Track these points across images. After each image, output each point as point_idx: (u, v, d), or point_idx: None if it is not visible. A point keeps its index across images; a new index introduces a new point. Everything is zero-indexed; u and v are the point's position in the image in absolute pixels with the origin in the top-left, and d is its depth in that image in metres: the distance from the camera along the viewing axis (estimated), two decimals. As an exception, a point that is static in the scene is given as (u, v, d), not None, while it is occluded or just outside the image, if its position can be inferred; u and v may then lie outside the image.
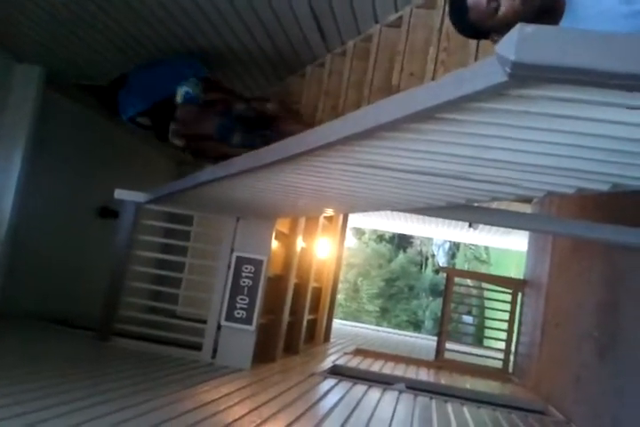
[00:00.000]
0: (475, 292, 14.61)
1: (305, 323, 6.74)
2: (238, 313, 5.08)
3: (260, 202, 4.45)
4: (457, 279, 9.05)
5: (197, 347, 5.20)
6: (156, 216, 6.09)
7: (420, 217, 10.94)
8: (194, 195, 4.41)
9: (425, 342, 11.18)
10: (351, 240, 28.44)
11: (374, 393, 4.96)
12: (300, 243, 6.22)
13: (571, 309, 5.68)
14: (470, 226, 11.18)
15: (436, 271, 28.99)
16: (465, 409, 4.84)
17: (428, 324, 27.57)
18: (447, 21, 3.62)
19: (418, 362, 7.60)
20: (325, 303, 8.06)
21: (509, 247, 16.86)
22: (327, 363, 6.24)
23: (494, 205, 5.95)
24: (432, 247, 31.94)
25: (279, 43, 4.66)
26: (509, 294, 8.36)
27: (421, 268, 31.39)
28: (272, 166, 2.82)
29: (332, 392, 4.75)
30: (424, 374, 6.73)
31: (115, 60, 5.38)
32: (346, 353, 7.34)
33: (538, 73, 1.22)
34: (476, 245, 28.01)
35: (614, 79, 1.19)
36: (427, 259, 31.83)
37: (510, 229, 10.40)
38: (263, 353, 5.43)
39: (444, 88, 1.50)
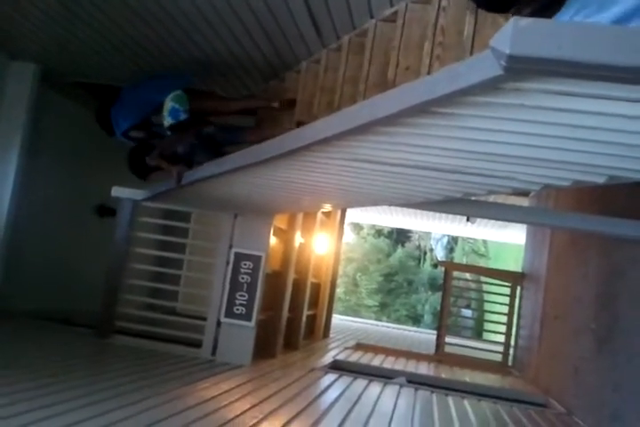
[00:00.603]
0: (473, 285, 14.64)
1: (304, 318, 6.75)
2: (237, 309, 5.09)
3: (258, 198, 4.45)
4: (456, 273, 9.05)
5: (197, 344, 5.21)
6: (153, 213, 6.08)
7: (418, 211, 10.94)
8: (191, 192, 4.42)
9: (425, 337, 11.21)
10: (349, 235, 28.47)
11: (375, 388, 4.97)
12: (298, 239, 6.22)
13: (569, 301, 5.70)
14: (468, 220, 11.18)
15: (435, 265, 29.01)
16: (466, 402, 4.86)
17: (428, 318, 27.60)
18: (442, 16, 3.62)
19: (418, 356, 7.62)
20: (324, 299, 8.07)
21: (507, 241, 16.87)
22: (327, 358, 6.26)
23: (491, 198, 5.97)
24: (430, 242, 31.95)
25: (274, 39, 4.65)
26: (508, 287, 8.38)
27: (420, 262, 31.40)
28: (269, 162, 2.83)
29: (333, 387, 4.77)
30: (424, 368, 6.75)
31: (112, 58, 5.37)
32: (346, 348, 7.35)
33: (533, 66, 1.22)
34: (474, 239, 28.03)
35: (609, 71, 1.19)
36: (425, 253, 31.84)
37: (508, 223, 10.41)
38: (263, 349, 5.44)
39: (439, 82, 1.50)
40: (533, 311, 7.23)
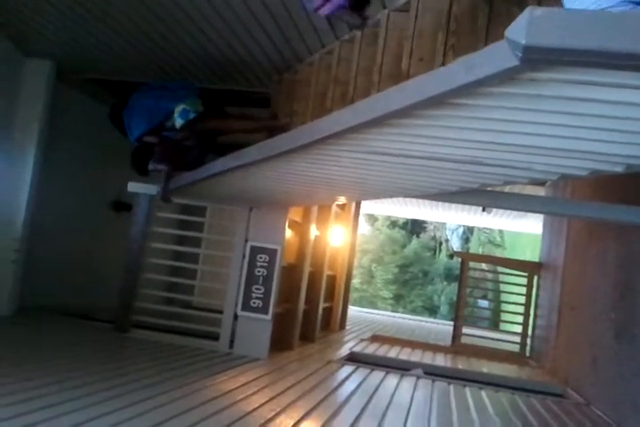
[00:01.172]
0: (490, 276, 14.57)
1: (320, 311, 6.76)
2: (254, 303, 5.11)
3: (273, 191, 4.45)
4: (472, 264, 9.01)
5: (215, 337, 5.24)
6: (169, 208, 6.11)
7: (434, 202, 10.90)
8: (207, 186, 4.43)
9: (441, 328, 11.19)
10: (364, 227, 28.46)
11: (392, 379, 4.98)
12: (313, 231, 6.22)
13: (587, 291, 5.66)
14: (484, 210, 11.13)
15: (451, 256, 28.95)
16: (483, 393, 4.85)
17: (444, 309, 27.59)
18: (456, 4, 3.58)
19: (434, 347, 7.62)
20: (340, 291, 8.08)
21: (524, 230, 16.79)
22: (344, 350, 6.27)
23: (507, 188, 5.93)
24: (446, 232, 31.89)
25: (287, 32, 4.64)
26: (525, 277, 8.33)
27: (435, 253, 31.36)
28: (284, 156, 2.83)
29: (350, 379, 4.78)
30: (441, 360, 6.75)
31: (126, 54, 5.38)
32: (362, 340, 7.36)
33: (549, 56, 1.20)
34: (490, 229, 27.93)
35: (627, 60, 1.17)
36: (440, 244, 31.80)
37: (524, 213, 10.34)
38: (280, 342, 5.46)
39: (454, 74, 1.49)
40: (551, 301, 7.19)
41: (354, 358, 5.88)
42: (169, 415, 2.99)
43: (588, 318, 5.45)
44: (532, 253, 17.95)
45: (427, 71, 1.74)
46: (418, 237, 31.18)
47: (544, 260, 8.33)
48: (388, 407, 3.90)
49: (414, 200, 11.26)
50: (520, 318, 8.25)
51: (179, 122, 4.84)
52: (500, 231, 28.20)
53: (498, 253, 28.01)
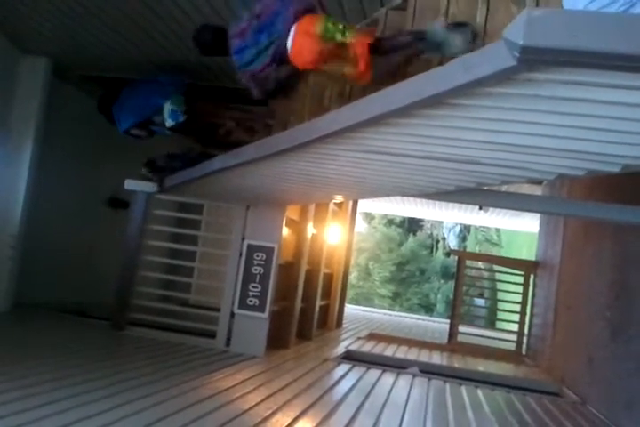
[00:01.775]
0: (486, 274, 14.60)
1: (317, 309, 6.77)
2: (251, 301, 5.11)
3: (271, 190, 4.45)
4: (468, 262, 9.02)
5: (211, 335, 5.25)
6: (166, 206, 6.10)
7: (431, 201, 10.91)
8: (204, 184, 4.42)
9: (437, 326, 11.21)
10: (361, 225, 28.45)
11: (388, 377, 4.99)
12: (310, 229, 6.23)
13: (583, 290, 5.68)
14: (481, 208, 11.14)
15: (447, 254, 28.93)
16: (479, 392, 4.86)
17: (440, 307, 27.58)
18: (453, 3, 3.58)
19: (431, 346, 7.63)
20: (337, 289, 8.09)
21: (520, 229, 16.81)
22: (340, 348, 6.28)
23: (504, 187, 5.93)
24: (443, 230, 31.88)
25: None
26: (521, 276, 8.35)
27: (432, 251, 31.35)
28: (282, 155, 2.83)
29: (347, 377, 4.79)
30: (437, 358, 6.76)
31: (123, 51, 5.36)
32: (359, 338, 7.37)
33: (546, 57, 1.21)
34: (486, 228, 27.94)
35: (623, 61, 1.18)
36: (437, 242, 31.79)
37: (521, 212, 10.35)
38: (276, 340, 5.46)
39: (452, 74, 1.49)
40: (547, 300, 7.21)
41: (350, 357, 5.88)
42: (166, 413, 2.99)
43: (584, 316, 5.46)
44: (528, 252, 17.97)
45: (425, 70, 1.74)
46: (414, 235, 31.17)
47: (540, 258, 8.35)
48: (384, 406, 3.91)
49: (411, 199, 11.26)
50: (516, 317, 8.27)
51: (169, 122, 5.04)
52: (497, 230, 28.21)
53: (494, 251, 28.03)
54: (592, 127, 1.64)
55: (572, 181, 6.43)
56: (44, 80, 5.71)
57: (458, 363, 6.57)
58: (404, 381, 4.94)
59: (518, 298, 8.29)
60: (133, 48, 5.27)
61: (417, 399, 4.28)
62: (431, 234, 31.93)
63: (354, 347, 6.52)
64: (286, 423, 3.13)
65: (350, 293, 13.89)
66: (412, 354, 6.70)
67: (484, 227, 27.60)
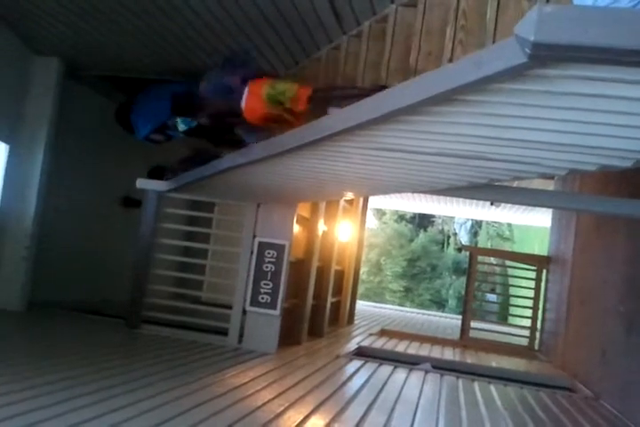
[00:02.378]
0: (498, 270, 14.55)
1: (329, 305, 6.78)
2: (262, 298, 5.13)
3: (281, 187, 4.46)
4: (480, 257, 9.00)
5: (224, 332, 5.27)
6: (178, 204, 6.13)
7: (442, 197, 10.89)
8: (215, 182, 4.44)
9: (449, 322, 11.20)
10: (372, 221, 28.44)
11: (400, 374, 4.99)
12: (321, 226, 6.23)
13: (596, 284, 5.65)
14: (492, 204, 11.13)
15: (459, 250, 28.86)
16: (492, 388, 4.86)
17: (452, 303, 27.55)
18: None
19: (443, 341, 7.63)
20: (348, 285, 8.10)
21: (532, 224, 16.74)
22: (352, 345, 6.29)
23: (515, 182, 5.91)
24: (454, 226, 31.80)
25: (294, 26, 4.64)
26: (534, 271, 8.32)
27: (443, 247, 31.28)
28: (293, 152, 2.83)
29: (359, 374, 4.79)
30: (449, 354, 6.76)
31: (134, 51, 5.40)
32: (371, 334, 7.38)
33: (558, 53, 1.21)
34: (498, 223, 27.85)
35: (635, 56, 1.17)
36: (448, 237, 31.71)
37: (533, 207, 10.32)
38: (288, 337, 5.48)
39: (463, 70, 1.49)
40: (559, 295, 7.18)
41: (362, 353, 5.89)
42: (181, 410, 3.01)
43: (598, 311, 5.44)
44: (540, 247, 17.92)
45: (435, 66, 1.74)
46: (425, 230, 31.11)
47: (553, 253, 8.31)
48: (396, 402, 3.91)
49: (422, 195, 11.24)
50: (529, 312, 8.25)
51: (182, 127, 5.09)
52: (509, 225, 28.12)
53: (506, 246, 27.94)
54: (604, 122, 1.64)
55: (585, 176, 6.39)
56: (57, 80, 5.73)
57: (470, 359, 6.57)
58: (416, 377, 4.94)
59: (531, 293, 8.27)
60: (144, 48, 5.29)
61: (429, 396, 4.28)
62: (442, 230, 31.86)
63: (366, 343, 6.52)
64: (299, 420, 3.13)
65: (361, 288, 13.89)
66: (424, 350, 6.70)
67: (495, 222, 27.52)
